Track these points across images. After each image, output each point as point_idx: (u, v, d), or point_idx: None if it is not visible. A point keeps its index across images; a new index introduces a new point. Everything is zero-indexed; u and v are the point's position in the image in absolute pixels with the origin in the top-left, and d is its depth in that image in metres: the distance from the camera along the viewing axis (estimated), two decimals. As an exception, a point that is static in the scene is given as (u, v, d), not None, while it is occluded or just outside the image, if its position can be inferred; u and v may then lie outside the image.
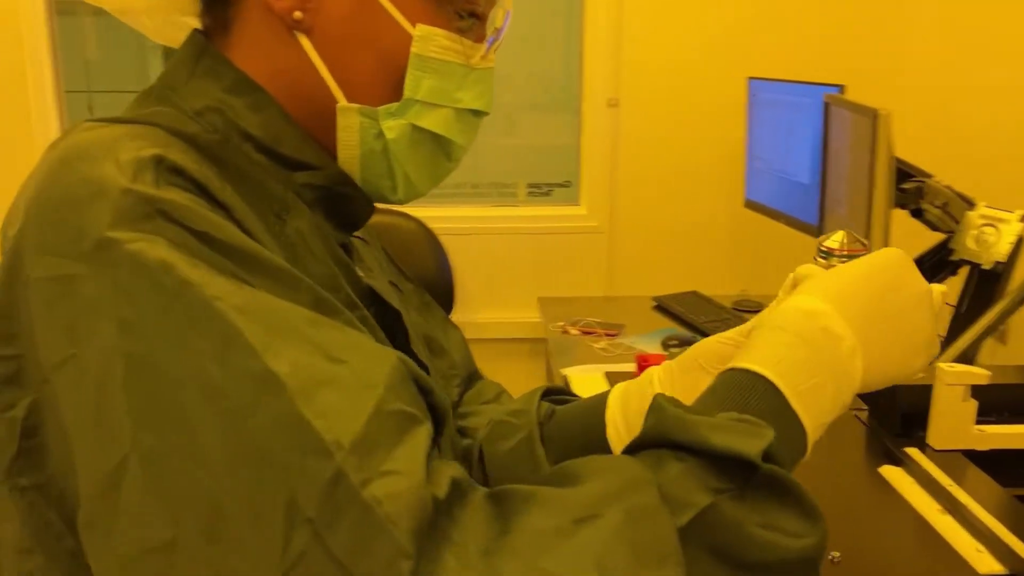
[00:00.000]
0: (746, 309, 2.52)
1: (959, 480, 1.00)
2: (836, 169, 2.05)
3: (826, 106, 2.07)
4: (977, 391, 1.11)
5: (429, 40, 0.70)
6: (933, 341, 0.70)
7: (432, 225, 2.72)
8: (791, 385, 0.59)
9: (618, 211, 2.79)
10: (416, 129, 0.72)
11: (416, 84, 0.71)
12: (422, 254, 2.70)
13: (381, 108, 0.71)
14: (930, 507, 0.99)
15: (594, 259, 2.81)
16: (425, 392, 0.57)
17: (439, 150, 0.75)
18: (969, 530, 0.94)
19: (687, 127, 2.72)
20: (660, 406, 0.57)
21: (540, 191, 2.86)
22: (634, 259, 2.81)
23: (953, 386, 1.05)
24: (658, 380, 0.79)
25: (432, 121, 0.72)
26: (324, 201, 0.72)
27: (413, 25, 0.70)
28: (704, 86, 2.69)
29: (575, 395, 0.91)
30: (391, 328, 0.76)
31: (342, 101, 0.70)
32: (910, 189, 1.94)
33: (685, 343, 2.25)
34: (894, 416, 1.12)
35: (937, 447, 1.08)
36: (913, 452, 1.07)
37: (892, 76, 2.53)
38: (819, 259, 0.81)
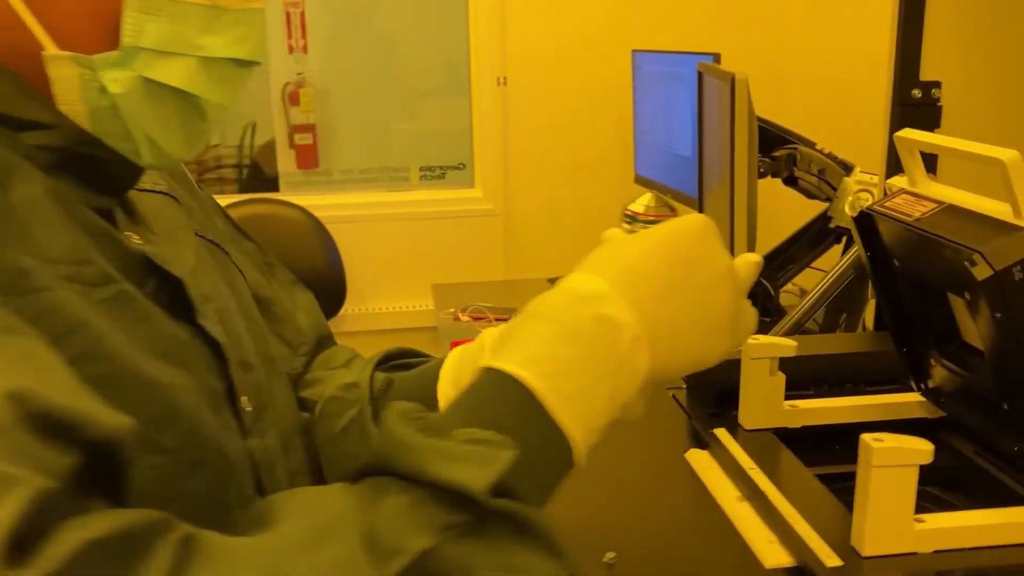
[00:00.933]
0: (642, 288, 2.46)
1: (764, 463, 0.93)
2: (710, 139, 1.98)
3: (699, 75, 2.00)
4: (798, 363, 1.04)
5: None
6: (740, 321, 0.62)
7: (319, 214, 2.63)
8: (554, 388, 0.51)
9: (513, 192, 2.71)
10: (149, 82, 0.61)
11: (138, 29, 0.60)
12: (309, 245, 2.61)
13: (98, 57, 0.60)
14: (729, 495, 0.92)
15: (491, 242, 2.73)
16: (74, 428, 0.44)
17: (189, 108, 0.64)
18: (764, 519, 0.87)
19: (576, 103, 2.65)
20: (388, 424, 0.49)
21: (434, 174, 2.77)
22: (531, 241, 2.74)
23: (758, 360, 0.98)
24: (490, 345, 0.71)
25: (167, 73, 0.61)
26: (68, 163, 0.61)
27: None
28: (591, 60, 2.63)
29: (425, 356, 0.83)
30: (179, 298, 0.67)
31: (50, 49, 0.59)
32: (781, 156, 1.88)
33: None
34: (708, 394, 1.05)
35: (747, 427, 1.01)
36: (721, 434, 0.99)
37: (772, 43, 2.46)
38: (624, 223, 0.75)
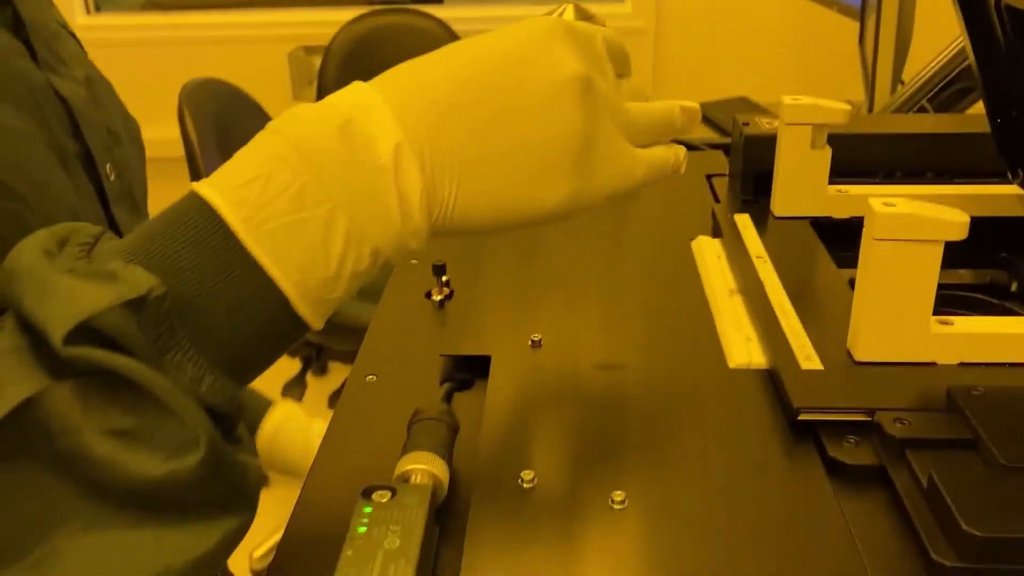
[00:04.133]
0: (800, 117, 2.18)
1: (780, 253, 0.72)
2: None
3: None
4: (865, 143, 0.81)
5: None
6: (603, 158, 0.46)
7: (456, 27, 2.48)
8: (250, 218, 0.38)
9: (666, 8, 2.43)
10: None
11: None
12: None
13: None
14: (721, 287, 0.72)
15: (637, 63, 2.48)
16: None
17: None
18: (752, 315, 0.67)
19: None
20: (20, 247, 0.38)
21: (581, -13, 2.53)
22: (682, 63, 2.47)
23: (794, 126, 0.75)
24: None
25: None
26: None
27: None
28: None
29: None
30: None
31: None
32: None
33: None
34: (747, 178, 0.84)
35: (777, 213, 0.79)
36: (742, 219, 0.78)
37: None
38: None
